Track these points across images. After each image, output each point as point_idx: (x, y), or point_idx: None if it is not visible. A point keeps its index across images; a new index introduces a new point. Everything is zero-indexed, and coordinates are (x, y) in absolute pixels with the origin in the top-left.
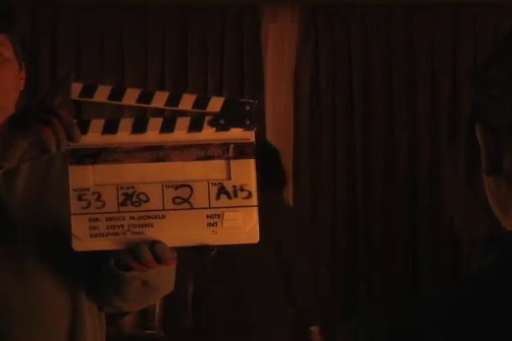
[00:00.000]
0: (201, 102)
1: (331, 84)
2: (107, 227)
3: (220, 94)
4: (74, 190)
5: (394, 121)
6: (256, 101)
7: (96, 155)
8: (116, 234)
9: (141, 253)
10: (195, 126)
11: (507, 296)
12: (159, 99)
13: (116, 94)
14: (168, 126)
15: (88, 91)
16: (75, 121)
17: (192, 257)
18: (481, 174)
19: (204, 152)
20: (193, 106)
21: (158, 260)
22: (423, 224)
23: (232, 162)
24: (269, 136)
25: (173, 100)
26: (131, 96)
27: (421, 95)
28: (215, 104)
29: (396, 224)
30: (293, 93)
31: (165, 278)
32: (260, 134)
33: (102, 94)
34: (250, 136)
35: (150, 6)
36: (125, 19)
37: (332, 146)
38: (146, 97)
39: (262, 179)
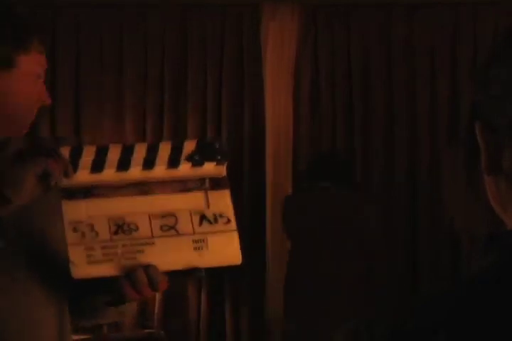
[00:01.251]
0: (177, 146)
1: (330, 84)
2: (103, 255)
3: (219, 94)
4: (69, 222)
5: (394, 121)
6: (221, 137)
7: (86, 192)
8: (111, 260)
9: (138, 278)
10: (173, 162)
11: (507, 296)
12: (140, 151)
13: (100, 153)
14: (149, 164)
15: (75, 152)
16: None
17: None
18: (481, 174)
19: (183, 185)
20: (171, 151)
21: (152, 284)
22: (423, 224)
23: (210, 193)
24: (269, 136)
25: (152, 150)
26: (114, 152)
27: (421, 95)
28: (190, 145)
29: (396, 224)
30: (293, 93)
31: (133, 304)
32: (260, 134)
33: (88, 153)
34: (222, 170)
35: (150, 6)
36: (125, 19)
37: (332, 146)
38: (127, 151)
39: (336, 180)
